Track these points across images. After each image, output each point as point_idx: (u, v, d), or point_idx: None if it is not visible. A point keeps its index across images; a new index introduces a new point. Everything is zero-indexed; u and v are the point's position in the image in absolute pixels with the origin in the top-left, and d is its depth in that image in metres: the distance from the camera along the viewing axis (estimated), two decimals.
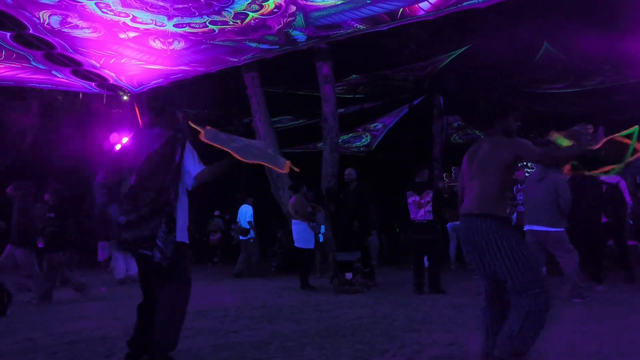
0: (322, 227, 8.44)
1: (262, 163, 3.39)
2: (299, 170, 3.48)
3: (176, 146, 3.34)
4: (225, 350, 3.84)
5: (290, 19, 5.79)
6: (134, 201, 3.26)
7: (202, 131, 3.31)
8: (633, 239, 9.49)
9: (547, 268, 6.75)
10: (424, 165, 7.53)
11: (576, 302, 5.65)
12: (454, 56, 11.57)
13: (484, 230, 2.95)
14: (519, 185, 8.43)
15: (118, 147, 9.63)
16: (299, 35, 6.30)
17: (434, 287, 6.96)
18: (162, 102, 3.58)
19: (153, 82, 7.83)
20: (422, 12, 5.63)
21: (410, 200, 7.09)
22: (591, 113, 13.82)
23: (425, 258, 7.33)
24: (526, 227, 6.05)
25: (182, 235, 3.33)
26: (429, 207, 7.00)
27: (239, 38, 6.27)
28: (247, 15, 5.68)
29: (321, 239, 8.92)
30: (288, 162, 3.47)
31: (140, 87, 8.04)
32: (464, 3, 5.42)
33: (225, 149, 3.27)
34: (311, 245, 8.49)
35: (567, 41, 10.01)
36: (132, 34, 6.13)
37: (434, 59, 11.78)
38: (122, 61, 6.95)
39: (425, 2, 5.43)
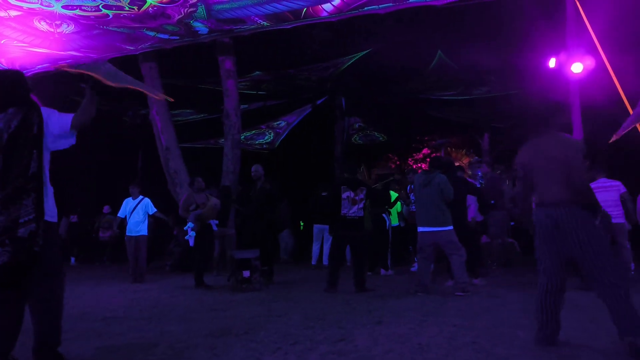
0: (191, 226, 8.06)
1: (132, 87, 3.23)
2: (173, 101, 3.45)
3: (33, 117, 3.16)
4: (110, 353, 3.64)
5: (191, 9, 5.58)
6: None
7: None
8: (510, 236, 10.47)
9: (434, 265, 7.14)
10: (355, 161, 7.51)
11: (459, 295, 6.08)
12: (355, 59, 11.90)
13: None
14: (411, 186, 8.83)
15: None
16: (200, 28, 6.10)
17: (359, 286, 6.72)
18: (6, 82, 3.33)
19: (38, 66, 7.23)
20: (325, 14, 5.70)
21: (344, 195, 6.90)
22: (478, 120, 14.91)
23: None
24: (419, 229, 6.46)
25: (51, 214, 3.14)
26: (362, 204, 6.93)
27: (135, 25, 5.97)
28: (145, 1, 5.42)
29: (192, 236, 8.27)
30: (163, 95, 3.40)
31: (23, 72, 7.40)
32: (365, 8, 5.57)
33: (93, 75, 3.07)
34: (208, 244, 8.27)
35: (458, 52, 10.71)
36: (13, 13, 5.59)
37: (336, 60, 12.04)
38: (2, 42, 6.35)
39: (328, 4, 5.51)
